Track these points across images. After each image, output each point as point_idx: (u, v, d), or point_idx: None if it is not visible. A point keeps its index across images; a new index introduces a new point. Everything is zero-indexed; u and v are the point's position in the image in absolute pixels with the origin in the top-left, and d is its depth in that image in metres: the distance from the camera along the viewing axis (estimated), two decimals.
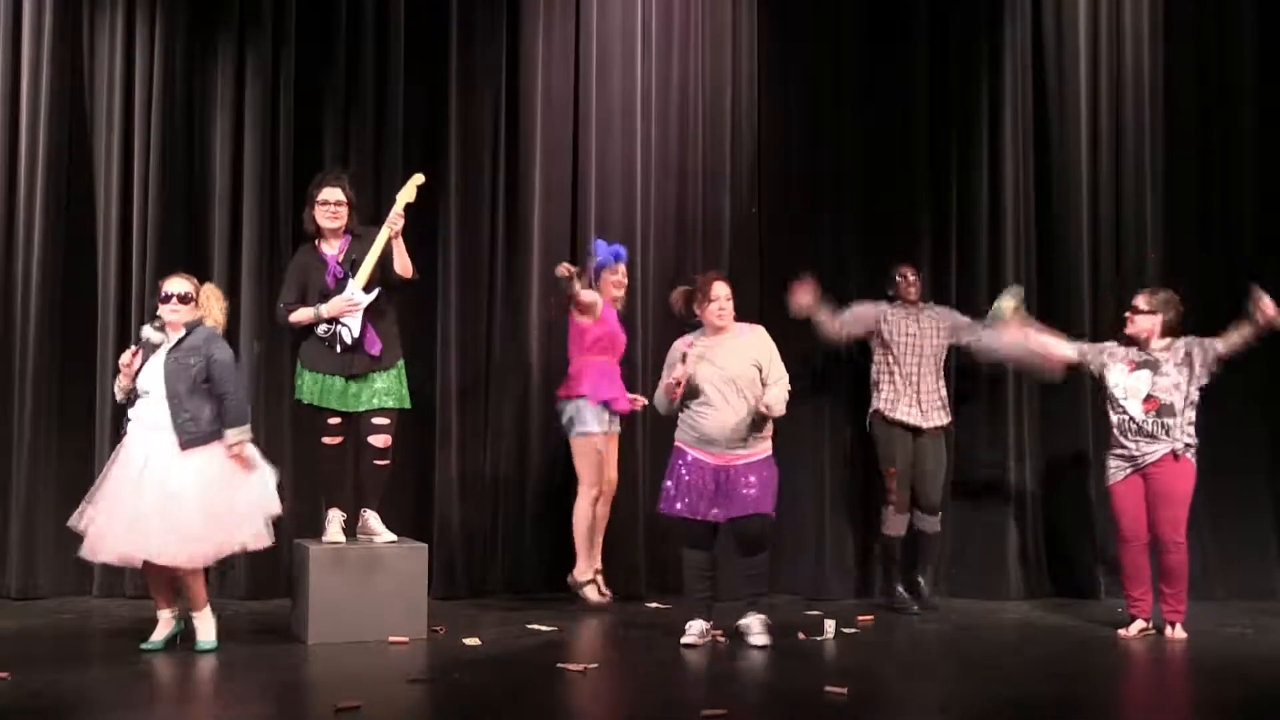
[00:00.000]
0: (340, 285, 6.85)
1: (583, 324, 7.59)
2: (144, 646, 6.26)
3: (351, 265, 6.86)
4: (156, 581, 6.32)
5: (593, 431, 7.56)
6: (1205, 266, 8.42)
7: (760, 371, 6.59)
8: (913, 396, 7.80)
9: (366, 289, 6.83)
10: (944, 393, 7.90)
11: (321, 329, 6.83)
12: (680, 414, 6.68)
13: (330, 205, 6.89)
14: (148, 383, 6.27)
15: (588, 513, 7.61)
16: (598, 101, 8.33)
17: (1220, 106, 8.55)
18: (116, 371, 6.64)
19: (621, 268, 7.69)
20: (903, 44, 8.50)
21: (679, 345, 6.75)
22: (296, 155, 8.06)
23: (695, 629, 6.66)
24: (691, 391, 6.57)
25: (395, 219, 6.88)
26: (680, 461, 6.63)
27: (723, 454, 6.54)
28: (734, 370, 6.56)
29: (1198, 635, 7.00)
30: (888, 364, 7.85)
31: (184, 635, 6.35)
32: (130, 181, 8.03)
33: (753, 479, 6.52)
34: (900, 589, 7.82)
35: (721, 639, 6.78)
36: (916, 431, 7.80)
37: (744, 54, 8.52)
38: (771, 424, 6.64)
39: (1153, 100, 8.49)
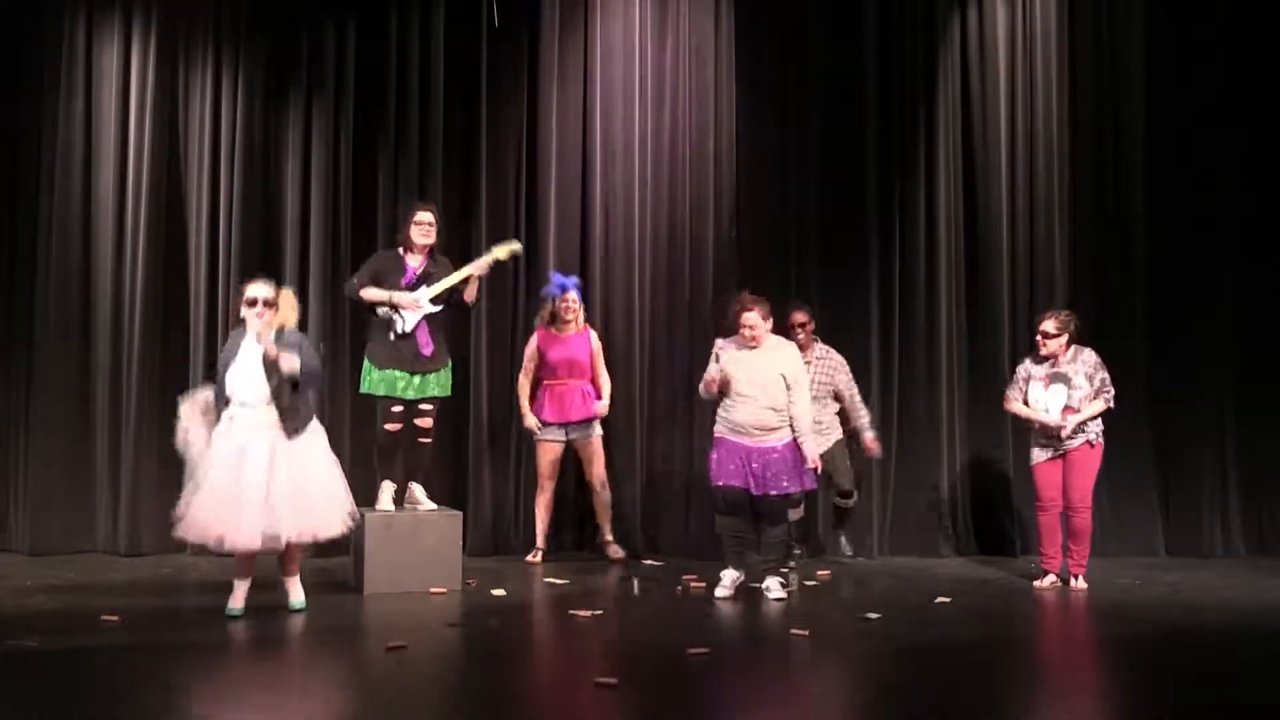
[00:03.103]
0: (412, 289, 6.83)
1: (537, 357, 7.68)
2: (231, 613, 5.89)
3: (427, 278, 6.85)
4: (246, 556, 5.93)
5: (541, 439, 7.68)
6: (1102, 286, 8.42)
7: (785, 380, 6.51)
8: None
9: (434, 301, 6.83)
10: (831, 417, 7.51)
11: (383, 310, 6.79)
12: (719, 407, 6.63)
13: (424, 225, 6.88)
14: (243, 387, 5.82)
15: (539, 499, 7.74)
16: (602, 145, 8.32)
17: (1115, 152, 8.52)
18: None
19: (570, 296, 7.62)
20: (855, 100, 8.47)
21: (718, 345, 6.69)
22: (354, 190, 8.08)
23: (728, 579, 6.61)
24: (725, 387, 6.55)
25: (484, 266, 6.94)
26: (719, 448, 6.59)
27: (752, 439, 6.50)
28: (763, 377, 6.50)
29: (1096, 586, 7.02)
30: None
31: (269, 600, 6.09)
32: (216, 209, 8.06)
33: (783, 467, 6.44)
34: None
35: (699, 585, 6.82)
36: None
37: (724, 105, 8.49)
38: (787, 415, 6.53)
39: (1059, 146, 8.45)
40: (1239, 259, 8.47)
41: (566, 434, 7.70)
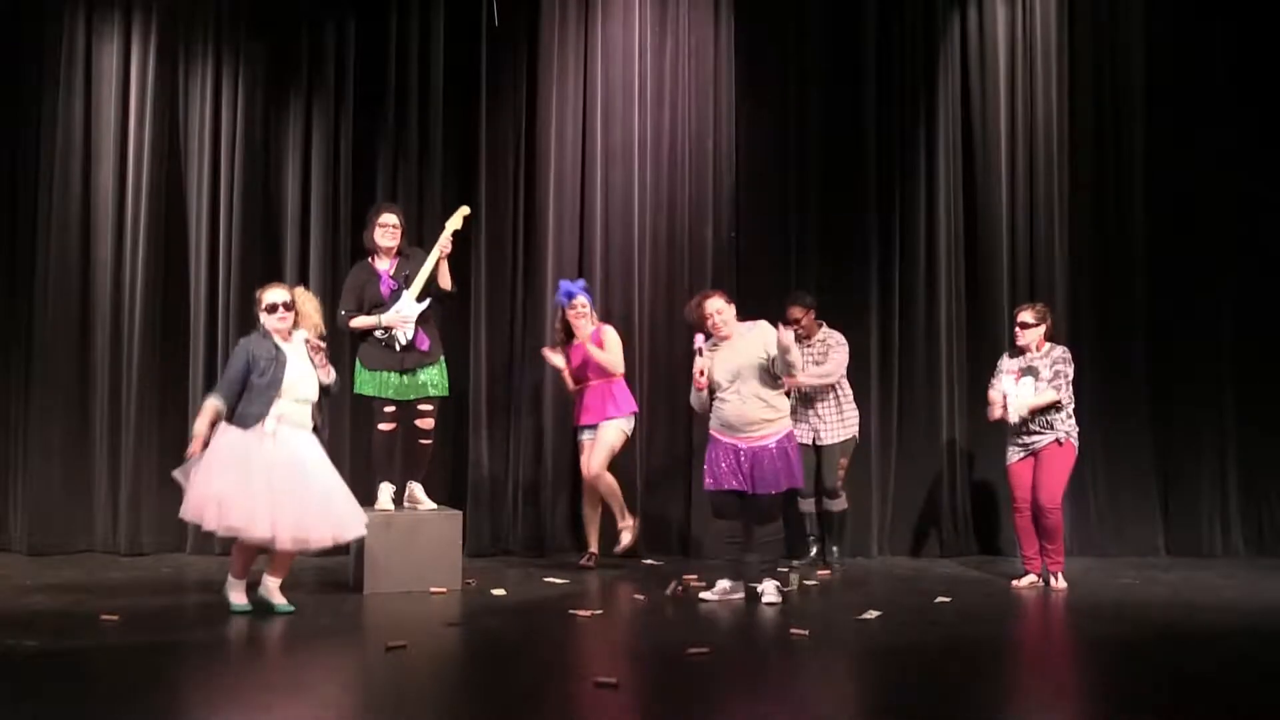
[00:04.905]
0: (395, 296, 6.83)
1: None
2: (238, 609, 5.97)
3: (405, 279, 6.84)
4: (248, 555, 6.02)
5: (581, 440, 7.61)
6: (1102, 285, 8.43)
7: (767, 356, 6.34)
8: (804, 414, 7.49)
9: (418, 299, 6.82)
10: (847, 410, 7.55)
11: (379, 333, 6.82)
12: (711, 407, 6.51)
13: (388, 227, 6.88)
14: (302, 385, 5.96)
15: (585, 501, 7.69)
16: (602, 145, 8.33)
17: (1115, 152, 8.54)
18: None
19: (578, 301, 7.45)
20: (854, 98, 8.48)
21: (698, 340, 6.49)
22: (354, 189, 8.09)
23: (721, 587, 6.50)
24: (713, 386, 6.43)
25: (445, 242, 6.89)
26: (712, 448, 6.47)
27: (742, 436, 6.37)
28: (740, 362, 6.36)
29: (1096, 585, 7.02)
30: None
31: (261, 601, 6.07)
32: (217, 209, 8.06)
33: (773, 465, 6.30)
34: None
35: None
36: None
37: (724, 105, 8.50)
38: (785, 402, 6.45)
39: (1059, 145, 8.47)
40: (1239, 259, 8.48)
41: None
